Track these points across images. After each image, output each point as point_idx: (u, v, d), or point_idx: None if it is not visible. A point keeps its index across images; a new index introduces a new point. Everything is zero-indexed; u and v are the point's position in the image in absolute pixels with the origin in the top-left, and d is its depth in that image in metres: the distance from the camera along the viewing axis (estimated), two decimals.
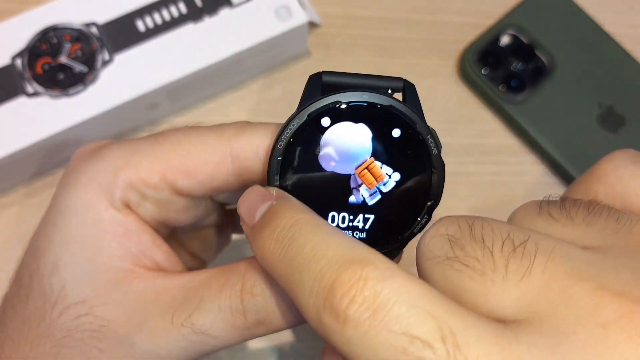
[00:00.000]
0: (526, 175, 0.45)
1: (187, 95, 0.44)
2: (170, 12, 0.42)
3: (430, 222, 0.24)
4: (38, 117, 0.39)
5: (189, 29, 0.42)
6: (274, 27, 0.42)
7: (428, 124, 0.24)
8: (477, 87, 0.46)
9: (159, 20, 0.42)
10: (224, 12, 0.42)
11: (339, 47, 0.47)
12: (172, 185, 0.26)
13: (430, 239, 0.21)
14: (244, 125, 0.26)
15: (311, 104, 0.24)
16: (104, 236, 0.25)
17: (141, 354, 0.24)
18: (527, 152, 0.46)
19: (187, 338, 0.24)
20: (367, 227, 0.24)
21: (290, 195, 0.23)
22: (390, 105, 0.24)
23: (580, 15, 0.48)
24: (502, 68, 0.46)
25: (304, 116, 0.24)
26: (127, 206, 0.26)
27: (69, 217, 0.26)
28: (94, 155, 0.27)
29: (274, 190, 0.23)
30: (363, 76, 0.25)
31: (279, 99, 0.46)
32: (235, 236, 0.37)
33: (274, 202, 0.22)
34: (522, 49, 0.47)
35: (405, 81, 0.25)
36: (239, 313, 0.24)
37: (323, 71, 0.25)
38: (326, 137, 0.24)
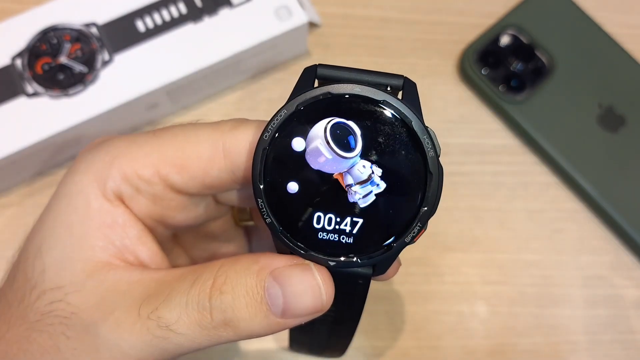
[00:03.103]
0: (526, 175, 0.45)
1: (187, 95, 0.44)
2: (170, 12, 0.42)
3: (424, 230, 0.23)
4: (38, 117, 0.39)
5: (188, 29, 0.42)
6: (273, 27, 0.42)
7: (428, 125, 0.23)
8: (477, 87, 0.46)
9: (159, 20, 0.42)
10: (224, 12, 0.42)
11: (339, 47, 0.47)
12: (165, 179, 0.26)
13: None
14: (240, 121, 0.26)
15: (300, 94, 0.23)
16: (90, 224, 0.25)
17: (104, 344, 0.23)
18: (527, 152, 0.46)
19: (151, 332, 0.23)
20: (354, 231, 0.23)
21: None
22: (384, 101, 0.22)
23: (580, 15, 0.48)
24: (502, 68, 0.46)
25: (292, 107, 0.23)
26: (120, 198, 0.26)
27: (60, 201, 0.26)
28: (97, 146, 0.27)
29: None
30: (360, 71, 0.23)
31: (279, 99, 0.46)
32: None
33: None
34: (522, 49, 0.47)
35: (406, 79, 0.23)
36: (205, 310, 0.23)
37: (319, 64, 0.23)
38: (314, 130, 0.22)
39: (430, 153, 0.22)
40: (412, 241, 0.23)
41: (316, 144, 0.23)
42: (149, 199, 0.26)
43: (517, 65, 0.46)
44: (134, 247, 0.26)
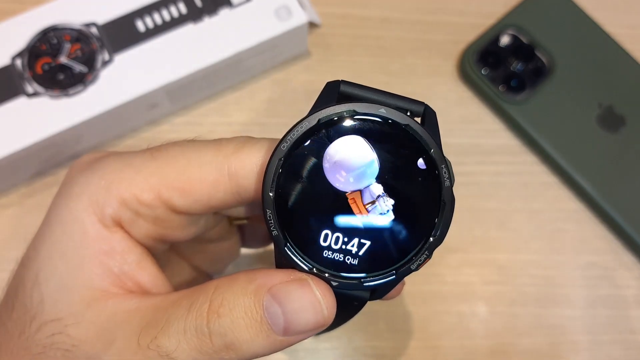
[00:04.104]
0: (526, 175, 0.45)
1: (187, 95, 0.44)
2: (170, 13, 0.42)
3: (429, 259, 0.23)
4: (38, 117, 0.39)
5: (189, 29, 0.42)
6: (274, 27, 0.42)
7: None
8: (477, 87, 0.46)
9: (159, 20, 0.42)
10: (224, 12, 0.42)
11: (339, 47, 0.47)
12: (167, 203, 0.25)
13: None
14: (244, 140, 0.25)
15: (323, 109, 0.22)
16: (86, 252, 0.24)
17: None
18: (527, 152, 0.46)
19: None
20: (360, 253, 0.23)
21: None
22: (407, 125, 0.22)
23: (580, 15, 0.48)
24: (502, 68, 0.46)
25: (313, 120, 0.22)
26: (119, 223, 0.25)
27: (55, 229, 0.25)
28: (89, 167, 0.26)
29: None
30: (383, 93, 0.23)
31: (279, 99, 0.46)
32: (245, 250, 0.36)
33: None
34: (522, 49, 0.47)
35: (427, 106, 0.23)
36: (204, 335, 0.22)
37: (342, 80, 0.23)
38: (333, 147, 0.22)
39: (446, 183, 0.22)
40: (416, 269, 0.23)
41: (331, 162, 0.22)
42: (149, 221, 0.25)
43: (517, 65, 0.46)
44: (133, 273, 0.25)
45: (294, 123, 0.23)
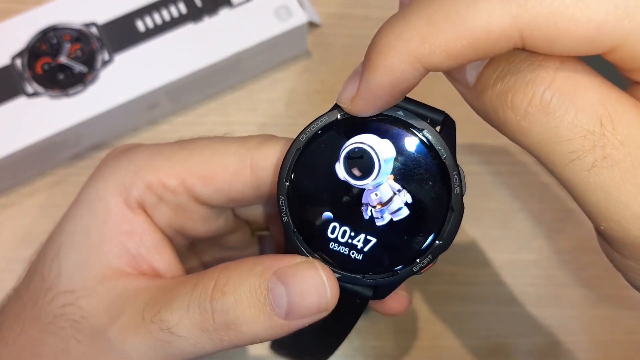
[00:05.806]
0: (526, 176, 0.45)
1: (187, 95, 0.44)
2: (170, 12, 0.42)
3: (433, 264, 0.23)
4: (38, 117, 0.39)
5: (189, 29, 0.42)
6: (273, 27, 0.42)
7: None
8: None
9: (158, 20, 0.42)
10: (224, 12, 0.42)
11: (339, 47, 0.47)
12: (190, 191, 0.26)
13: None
14: (268, 137, 0.26)
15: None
16: (107, 230, 0.25)
17: (112, 349, 0.24)
18: (527, 152, 0.46)
19: (154, 335, 0.23)
20: (366, 249, 0.23)
21: None
22: (423, 130, 0.23)
23: None
24: None
25: (333, 116, 0.23)
26: (142, 207, 0.26)
27: (81, 206, 0.26)
28: (121, 154, 0.27)
29: None
30: (405, 99, 0.23)
31: (279, 99, 0.46)
32: None
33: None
34: None
35: (447, 116, 0.24)
36: (206, 312, 0.23)
37: None
38: (349, 143, 0.23)
39: (456, 190, 0.23)
40: (419, 272, 0.23)
41: (346, 158, 0.23)
42: (171, 208, 0.26)
43: None
44: (150, 256, 0.26)
45: (315, 117, 0.23)
